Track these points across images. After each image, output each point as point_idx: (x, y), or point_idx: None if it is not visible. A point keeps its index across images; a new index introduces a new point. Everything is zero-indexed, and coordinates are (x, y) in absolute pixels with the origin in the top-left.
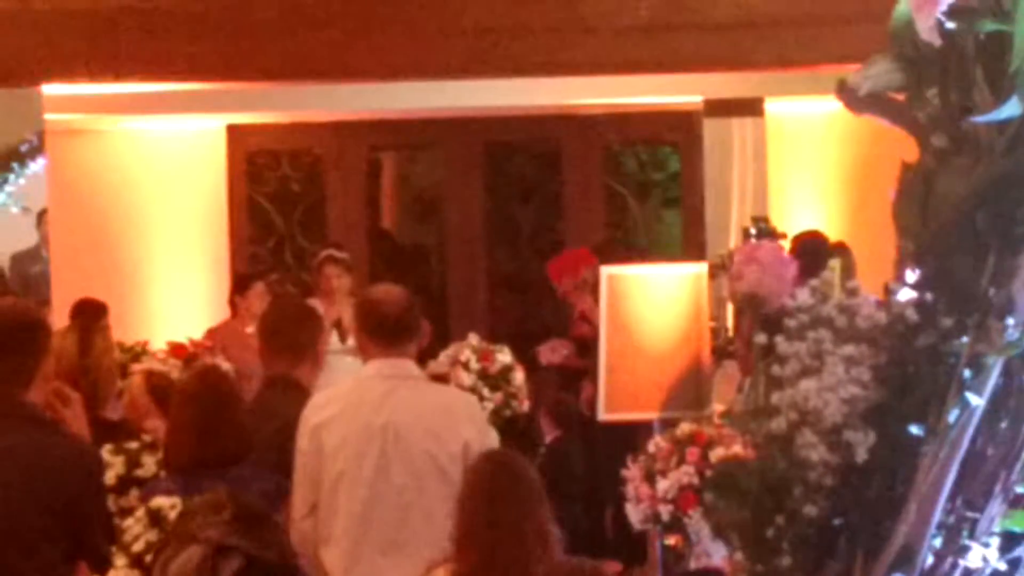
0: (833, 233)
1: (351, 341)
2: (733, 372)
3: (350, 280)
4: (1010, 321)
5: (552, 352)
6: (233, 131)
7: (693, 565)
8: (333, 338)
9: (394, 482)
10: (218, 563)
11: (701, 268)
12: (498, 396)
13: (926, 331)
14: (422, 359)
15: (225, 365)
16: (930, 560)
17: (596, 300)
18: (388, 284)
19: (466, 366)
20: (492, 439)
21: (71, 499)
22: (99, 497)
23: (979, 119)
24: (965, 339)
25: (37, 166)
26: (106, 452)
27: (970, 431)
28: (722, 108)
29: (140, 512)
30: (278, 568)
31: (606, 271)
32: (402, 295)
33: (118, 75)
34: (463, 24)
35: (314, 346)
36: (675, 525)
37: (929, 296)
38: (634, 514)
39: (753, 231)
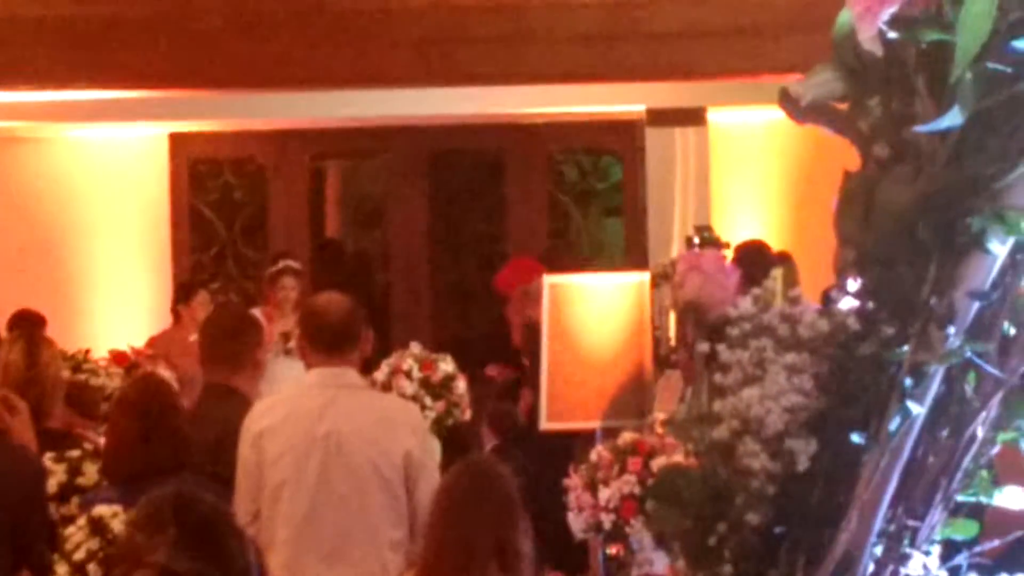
0: (775, 242)
1: (292, 344)
2: (675, 381)
3: (299, 290)
4: (951, 330)
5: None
6: (175, 139)
7: (635, 573)
8: (278, 348)
9: (336, 491)
10: None
11: (643, 277)
12: (440, 405)
13: (868, 340)
14: (366, 368)
15: (166, 373)
16: (871, 568)
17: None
18: (332, 292)
19: (408, 375)
20: (433, 448)
21: (14, 508)
22: (41, 507)
23: (921, 128)
24: (906, 348)
25: None
26: (48, 460)
27: (911, 439)
28: (664, 117)
29: (82, 521)
30: None
31: (548, 280)
32: (345, 303)
33: (60, 83)
34: (408, 33)
35: (253, 354)
36: (617, 534)
37: (871, 305)
38: (576, 523)
39: (696, 240)
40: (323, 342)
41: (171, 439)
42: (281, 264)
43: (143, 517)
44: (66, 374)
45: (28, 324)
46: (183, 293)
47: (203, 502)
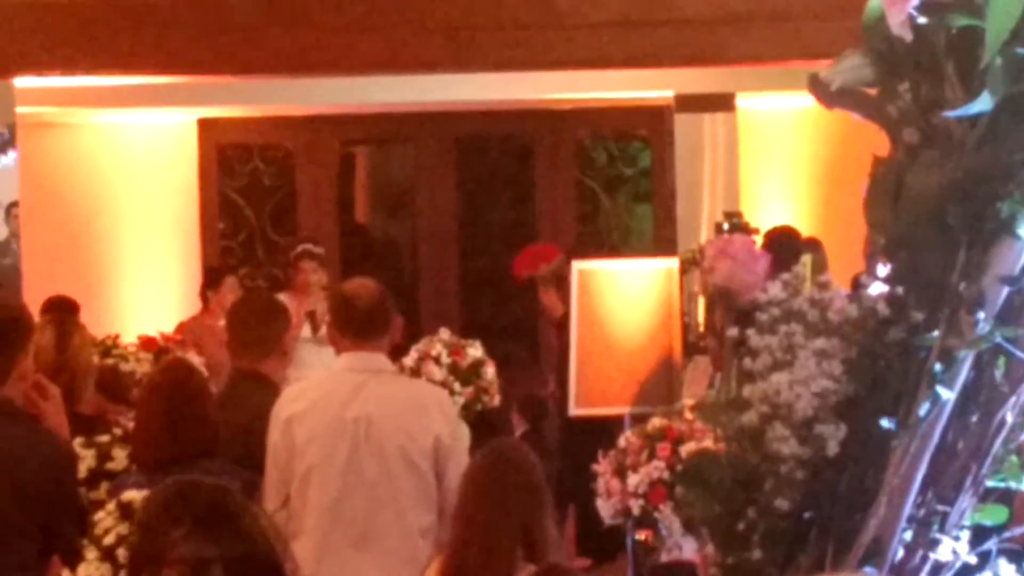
0: (804, 228)
1: (323, 331)
2: (704, 367)
3: (324, 275)
4: (980, 315)
5: None
6: (205, 125)
7: (664, 558)
8: (306, 330)
9: (365, 476)
10: None
11: (672, 263)
12: (469, 391)
13: (897, 325)
14: (395, 354)
15: (195, 359)
16: (900, 553)
17: (558, 294)
18: (362, 278)
19: (437, 360)
20: (463, 434)
21: (46, 494)
22: (72, 491)
23: (950, 114)
24: (936, 333)
25: (8, 159)
26: (77, 445)
27: (940, 425)
28: (693, 103)
29: (111, 506)
30: (260, 559)
31: (577, 266)
32: (375, 289)
33: (90, 68)
34: (436, 19)
35: (281, 340)
36: (646, 520)
37: (900, 290)
38: (605, 509)
39: (726, 226)
40: (353, 328)
41: (200, 425)
42: (300, 248)
43: (154, 515)
44: (96, 359)
45: (60, 310)
46: (211, 279)
47: (205, 486)
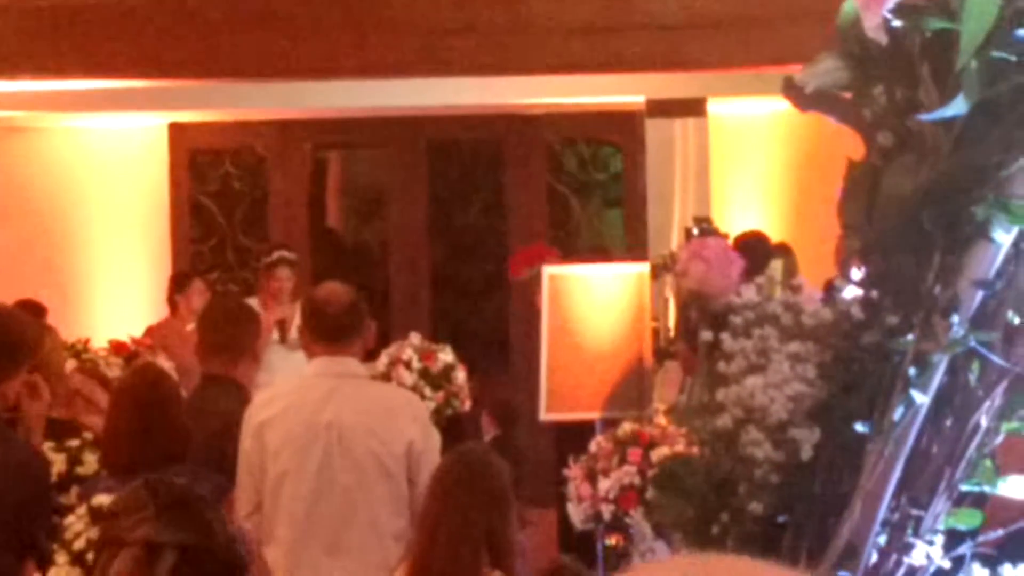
0: (775, 234)
1: (292, 336)
2: (675, 373)
3: (294, 281)
4: (955, 319)
5: None
6: (175, 129)
7: (637, 563)
8: (274, 336)
9: (337, 481)
10: (153, 562)
11: (643, 268)
12: (440, 395)
13: (871, 329)
14: (367, 358)
15: (165, 363)
16: (874, 557)
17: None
18: (334, 283)
19: (408, 365)
20: (435, 439)
21: (24, 501)
22: (46, 498)
23: (925, 117)
24: (910, 337)
25: None
26: (47, 450)
27: (915, 429)
28: (664, 108)
29: (81, 510)
30: (216, 552)
31: (548, 270)
32: (347, 294)
33: (59, 72)
34: (408, 23)
35: (252, 345)
36: (617, 524)
37: (875, 294)
38: (575, 514)
39: (695, 231)
40: (325, 332)
41: (170, 429)
42: (275, 255)
43: (121, 504)
44: (71, 364)
45: (29, 314)
46: (178, 283)
47: (174, 483)
